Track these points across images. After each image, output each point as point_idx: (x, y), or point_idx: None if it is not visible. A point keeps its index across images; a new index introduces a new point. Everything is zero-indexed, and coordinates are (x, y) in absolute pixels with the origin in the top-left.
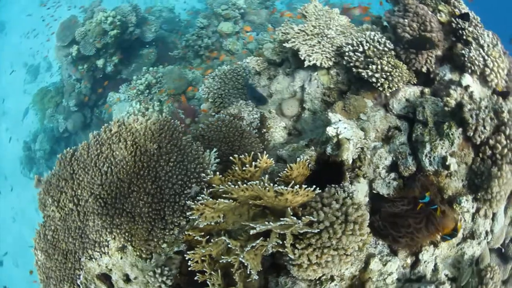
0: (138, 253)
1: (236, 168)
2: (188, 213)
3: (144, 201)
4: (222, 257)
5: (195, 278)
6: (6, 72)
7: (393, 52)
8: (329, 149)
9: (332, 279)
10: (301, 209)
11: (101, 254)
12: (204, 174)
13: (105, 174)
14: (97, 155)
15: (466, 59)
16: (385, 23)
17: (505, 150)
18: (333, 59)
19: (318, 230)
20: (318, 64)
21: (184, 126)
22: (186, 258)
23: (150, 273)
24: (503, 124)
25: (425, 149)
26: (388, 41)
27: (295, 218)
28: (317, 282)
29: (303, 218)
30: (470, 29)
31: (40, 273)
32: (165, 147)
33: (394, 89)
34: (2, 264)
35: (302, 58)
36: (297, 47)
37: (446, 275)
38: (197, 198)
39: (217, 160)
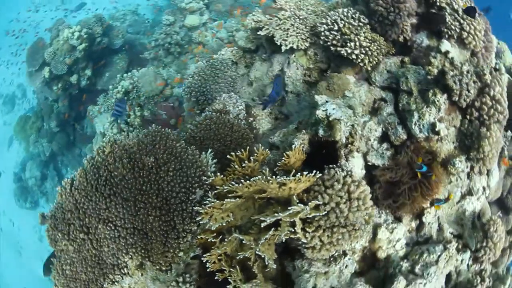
0: (157, 267)
1: (236, 166)
2: (198, 219)
3: (153, 215)
4: (239, 253)
5: (215, 278)
6: None
7: (368, 26)
8: (321, 131)
9: (344, 254)
10: (305, 194)
11: (122, 276)
12: (205, 177)
13: (108, 197)
14: (96, 180)
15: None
16: None
17: (492, 111)
18: (308, 39)
19: (326, 212)
20: (295, 47)
21: (170, 127)
22: (204, 261)
23: (173, 283)
24: (487, 86)
25: (414, 117)
26: (363, 16)
27: (301, 204)
28: (331, 259)
29: (309, 203)
30: None
31: None
32: (162, 157)
33: (374, 62)
34: None
35: (279, 43)
36: (271, 33)
37: (451, 233)
38: (204, 202)
39: (215, 160)
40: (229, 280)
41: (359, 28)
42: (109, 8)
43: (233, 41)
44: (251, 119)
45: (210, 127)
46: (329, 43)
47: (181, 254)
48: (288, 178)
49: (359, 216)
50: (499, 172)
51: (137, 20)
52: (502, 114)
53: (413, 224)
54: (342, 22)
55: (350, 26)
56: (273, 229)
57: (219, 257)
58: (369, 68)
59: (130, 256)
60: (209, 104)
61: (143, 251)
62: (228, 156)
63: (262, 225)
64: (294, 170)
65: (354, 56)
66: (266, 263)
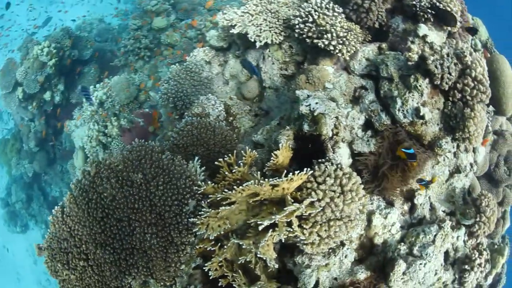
0: (161, 283)
1: (226, 172)
2: (194, 230)
3: (150, 233)
4: (239, 258)
5: (219, 284)
6: None
7: (343, 15)
8: (306, 127)
9: (342, 244)
10: (298, 192)
11: None
12: (196, 187)
13: (102, 220)
14: (87, 204)
15: (418, 9)
16: None
17: (474, 91)
18: (282, 33)
19: (321, 207)
20: (269, 41)
21: (149, 135)
22: (206, 270)
23: None
24: (468, 67)
25: (397, 104)
26: (337, 6)
27: (296, 203)
28: (330, 251)
29: (304, 201)
30: None
31: None
32: (150, 172)
33: (352, 52)
34: None
35: (253, 40)
36: (245, 31)
37: (444, 211)
38: (199, 212)
39: (203, 168)
40: (234, 285)
41: (334, 18)
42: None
43: (202, 39)
44: (231, 118)
45: (192, 132)
46: (304, 36)
47: (182, 267)
48: (281, 179)
49: (354, 207)
50: (485, 147)
51: (105, 28)
52: (484, 94)
53: (406, 207)
54: (317, 13)
55: (325, 17)
56: (270, 230)
57: (220, 264)
58: (347, 58)
59: (133, 277)
60: (188, 108)
61: (145, 270)
62: (216, 163)
63: (260, 228)
64: (284, 169)
65: (331, 48)
66: (268, 264)
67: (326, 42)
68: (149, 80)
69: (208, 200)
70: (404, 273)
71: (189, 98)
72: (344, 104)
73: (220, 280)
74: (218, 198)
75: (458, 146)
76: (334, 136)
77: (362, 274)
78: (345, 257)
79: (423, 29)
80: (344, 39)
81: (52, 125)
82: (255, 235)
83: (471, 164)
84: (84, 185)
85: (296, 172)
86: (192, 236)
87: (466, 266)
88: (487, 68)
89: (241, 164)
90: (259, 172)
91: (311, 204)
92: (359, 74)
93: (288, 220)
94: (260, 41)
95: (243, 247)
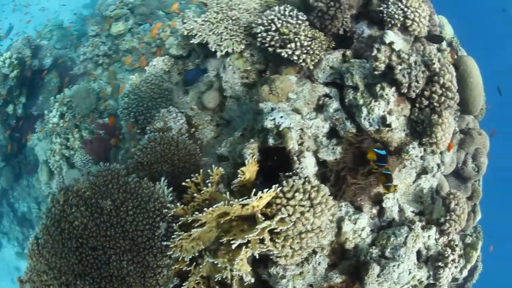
0: None
1: (195, 194)
2: (169, 253)
3: (126, 259)
4: (215, 275)
5: None
6: None
7: (307, 22)
8: (271, 141)
9: (315, 252)
10: (268, 209)
11: None
12: (166, 210)
13: (77, 250)
14: (60, 234)
15: (385, 15)
16: None
17: (442, 98)
18: (244, 41)
19: (292, 223)
20: (230, 51)
21: (111, 147)
22: None
23: None
24: (435, 75)
25: (362, 113)
26: (301, 13)
27: (267, 221)
28: (303, 259)
29: (275, 217)
30: None
31: None
32: (118, 198)
33: (316, 60)
34: None
35: (213, 50)
36: (205, 40)
37: (413, 211)
38: (172, 236)
39: (170, 189)
40: None
41: (297, 26)
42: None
43: (161, 46)
44: (193, 129)
45: (156, 149)
46: (267, 45)
47: None
48: (250, 199)
49: (324, 219)
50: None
51: (64, 34)
52: (453, 100)
53: (374, 211)
54: (280, 21)
55: (288, 25)
56: (244, 247)
57: (197, 282)
58: (311, 67)
59: None
60: (149, 122)
61: None
62: (183, 184)
63: (233, 246)
64: (251, 184)
65: (295, 57)
66: (244, 279)
67: (290, 52)
68: (109, 87)
69: (179, 223)
70: (378, 275)
71: (150, 112)
72: (309, 115)
73: None
74: (189, 220)
75: (425, 150)
76: (299, 146)
77: (338, 279)
78: (319, 264)
79: (390, 36)
80: (308, 48)
81: (16, 139)
82: (228, 252)
83: (438, 165)
84: (55, 214)
85: (265, 190)
86: (167, 258)
87: (440, 263)
88: (455, 73)
89: (209, 184)
90: (228, 193)
91: (282, 219)
92: (323, 82)
93: (261, 237)
94: (221, 51)
95: (218, 265)
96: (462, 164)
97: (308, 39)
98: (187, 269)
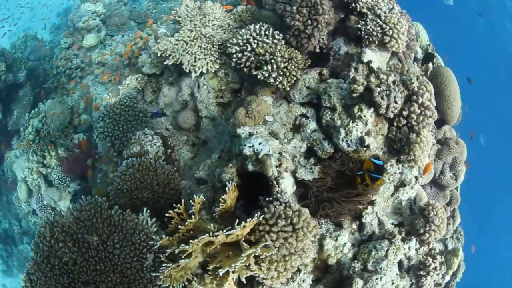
0: None
1: (179, 226)
2: (159, 283)
3: None
4: None
5: None
6: None
7: (283, 41)
8: (250, 166)
9: (299, 270)
10: (252, 236)
11: None
12: (151, 242)
13: (69, 285)
14: (51, 271)
15: (363, 32)
16: None
17: (421, 117)
18: (218, 60)
19: (276, 248)
20: (204, 71)
21: (87, 168)
22: None
23: None
24: (414, 94)
25: (340, 134)
26: (276, 32)
27: (252, 248)
28: (289, 278)
29: (259, 244)
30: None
31: None
32: (104, 232)
33: (293, 81)
34: None
35: (188, 71)
36: (179, 61)
37: (392, 223)
38: (161, 268)
39: (153, 219)
40: None
41: (273, 46)
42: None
43: (133, 62)
44: (170, 150)
45: (135, 176)
46: (242, 65)
47: None
48: (235, 229)
49: (307, 241)
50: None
51: (38, 46)
52: (431, 118)
53: (354, 226)
54: (255, 41)
55: (264, 45)
56: (231, 272)
57: None
58: (288, 88)
59: None
60: (125, 146)
61: None
62: (166, 215)
63: (220, 273)
64: (232, 209)
65: (272, 80)
66: None
67: (266, 74)
68: (82, 101)
69: (166, 254)
70: None
71: (126, 136)
72: (286, 138)
73: None
74: (177, 251)
75: (403, 166)
76: (277, 168)
77: None
78: (303, 281)
79: (368, 54)
80: (285, 69)
81: None
82: (215, 277)
83: (416, 177)
84: (43, 250)
85: (248, 220)
86: (157, 287)
87: (422, 272)
88: (433, 90)
89: (192, 215)
90: (210, 221)
91: (266, 246)
92: (299, 102)
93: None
94: (196, 72)
95: None
96: (440, 174)
97: (284, 60)
98: None
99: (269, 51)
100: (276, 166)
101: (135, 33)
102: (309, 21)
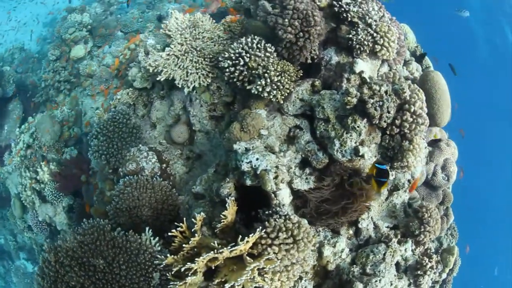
0: None
1: (184, 245)
2: None
3: None
4: None
5: None
6: None
7: (275, 54)
8: (248, 181)
9: (300, 278)
10: (255, 250)
11: None
12: (157, 261)
13: None
14: None
15: (354, 42)
16: (247, 6)
17: (413, 125)
18: (210, 74)
19: (279, 260)
20: (197, 85)
21: (81, 184)
22: None
23: None
24: (406, 103)
25: (335, 145)
26: (268, 45)
27: (256, 262)
28: (291, 287)
29: (262, 257)
30: (355, 9)
31: None
32: (109, 255)
33: (286, 94)
34: None
35: (180, 86)
36: (171, 76)
37: (387, 227)
38: (169, 286)
39: (156, 239)
40: None
41: (266, 59)
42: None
43: (122, 73)
44: (165, 165)
45: (133, 194)
46: (235, 80)
47: None
48: (238, 245)
49: (308, 252)
50: (421, 158)
51: (25, 57)
52: (423, 125)
53: (351, 231)
54: (248, 55)
55: (257, 58)
56: (236, 286)
57: None
58: (281, 101)
59: None
60: (121, 163)
61: None
62: (169, 234)
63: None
64: (232, 224)
65: (266, 94)
66: None
67: (260, 89)
68: (71, 114)
69: (173, 272)
70: None
71: (121, 153)
72: (282, 152)
73: None
74: (183, 270)
75: (396, 171)
76: (274, 180)
77: None
78: None
79: (359, 65)
80: (278, 83)
81: None
82: None
83: (409, 181)
84: (50, 276)
85: (251, 235)
86: None
87: (419, 272)
88: (424, 97)
89: (195, 233)
90: (216, 242)
91: (269, 259)
92: (293, 114)
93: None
94: (188, 86)
95: None
96: (432, 175)
97: (277, 73)
98: None
99: (261, 64)
100: (273, 178)
101: (124, 44)
102: (301, 33)
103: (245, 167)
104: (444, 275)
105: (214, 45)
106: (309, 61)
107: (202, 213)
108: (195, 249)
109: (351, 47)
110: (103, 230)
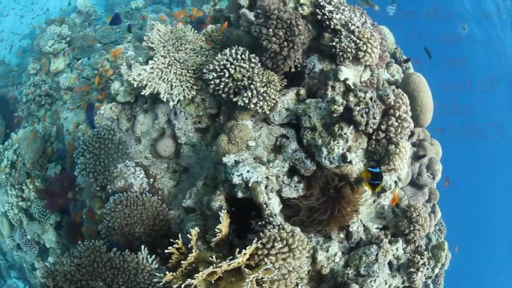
0: None
1: (182, 262)
2: None
3: None
4: None
5: None
6: None
7: (259, 64)
8: (240, 194)
9: (297, 284)
10: (252, 261)
11: None
12: (156, 279)
13: None
14: None
15: (338, 49)
16: (227, 14)
17: (399, 129)
18: (195, 86)
19: (277, 269)
20: (182, 98)
21: (68, 201)
22: None
23: None
24: (391, 108)
25: (322, 153)
26: (253, 55)
27: (254, 273)
28: None
29: (260, 267)
30: (338, 16)
31: None
32: (108, 276)
33: (272, 105)
34: None
35: (165, 100)
36: (156, 90)
37: (377, 228)
38: None
39: (153, 256)
40: None
41: (251, 70)
42: None
43: (103, 86)
44: (152, 180)
45: (124, 212)
46: (220, 92)
47: None
48: (236, 258)
49: (303, 258)
50: (407, 160)
51: (5, 70)
52: (408, 128)
53: (342, 235)
54: (233, 66)
55: (242, 70)
56: None
57: None
58: (267, 112)
59: None
60: (108, 180)
61: None
62: (166, 251)
63: None
64: (226, 236)
65: (252, 106)
66: None
67: (247, 101)
68: (53, 129)
69: None
70: None
71: (108, 170)
72: (271, 162)
73: None
74: (183, 287)
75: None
76: (265, 190)
77: None
78: None
79: (344, 72)
80: (264, 94)
81: None
82: None
83: (395, 182)
84: None
85: (248, 247)
86: None
87: (412, 269)
88: (408, 101)
89: (192, 249)
90: (214, 256)
91: (267, 269)
92: (279, 124)
93: None
94: (174, 100)
95: None
96: (417, 175)
97: (263, 84)
98: None
99: (246, 75)
100: (265, 189)
101: (103, 56)
102: (285, 42)
103: (236, 180)
104: (436, 270)
105: (197, 56)
106: (292, 69)
107: (196, 228)
108: (193, 264)
109: (334, 54)
110: (100, 252)
